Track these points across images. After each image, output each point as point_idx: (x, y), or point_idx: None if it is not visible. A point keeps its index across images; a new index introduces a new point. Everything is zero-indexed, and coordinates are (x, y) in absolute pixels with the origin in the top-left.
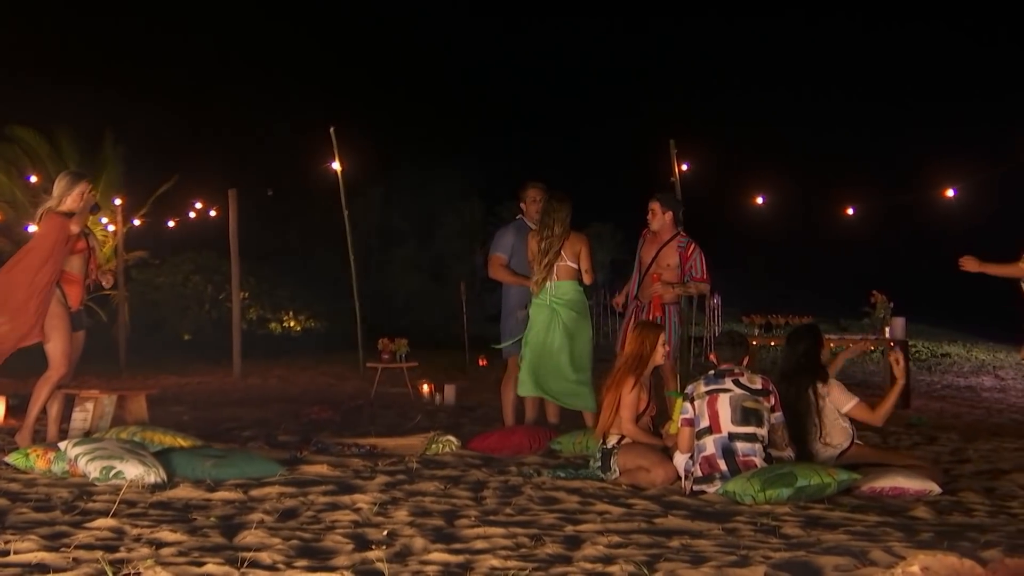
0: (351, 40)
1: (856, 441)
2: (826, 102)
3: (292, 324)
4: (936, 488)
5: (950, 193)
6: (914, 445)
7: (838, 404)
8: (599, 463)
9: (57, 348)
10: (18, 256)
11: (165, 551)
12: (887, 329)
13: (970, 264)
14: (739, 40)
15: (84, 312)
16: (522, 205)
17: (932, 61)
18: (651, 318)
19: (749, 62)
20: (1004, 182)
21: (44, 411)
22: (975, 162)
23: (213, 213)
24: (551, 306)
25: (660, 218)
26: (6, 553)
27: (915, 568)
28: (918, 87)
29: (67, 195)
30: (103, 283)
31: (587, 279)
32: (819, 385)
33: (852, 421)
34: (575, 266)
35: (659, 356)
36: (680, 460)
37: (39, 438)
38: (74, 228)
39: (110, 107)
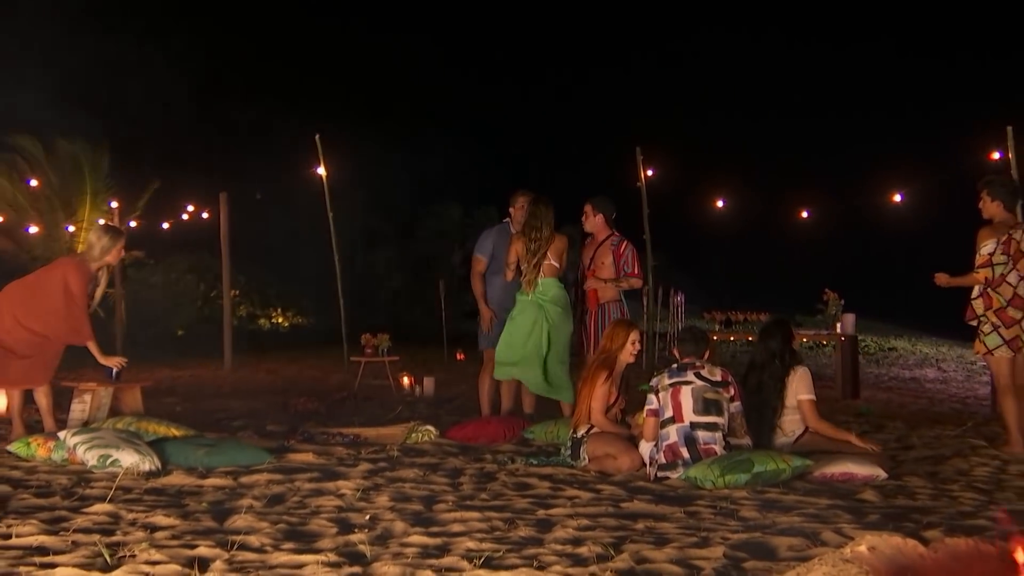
0: (336, 51)
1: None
2: (785, 115)
3: (280, 320)
4: (882, 473)
5: (897, 198)
6: (862, 433)
7: (797, 390)
8: (569, 451)
9: None
10: (42, 280)
11: (159, 535)
12: (838, 325)
13: (942, 280)
14: (703, 62)
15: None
16: (511, 210)
17: (885, 77)
18: (588, 313)
19: (712, 81)
20: (945, 187)
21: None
22: (920, 169)
23: (205, 215)
24: (537, 303)
25: (592, 220)
26: (8, 536)
27: (863, 548)
28: (869, 101)
29: (110, 251)
30: None
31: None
32: (789, 374)
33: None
34: (557, 264)
35: (627, 354)
36: (645, 448)
37: (38, 429)
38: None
39: (105, 115)
